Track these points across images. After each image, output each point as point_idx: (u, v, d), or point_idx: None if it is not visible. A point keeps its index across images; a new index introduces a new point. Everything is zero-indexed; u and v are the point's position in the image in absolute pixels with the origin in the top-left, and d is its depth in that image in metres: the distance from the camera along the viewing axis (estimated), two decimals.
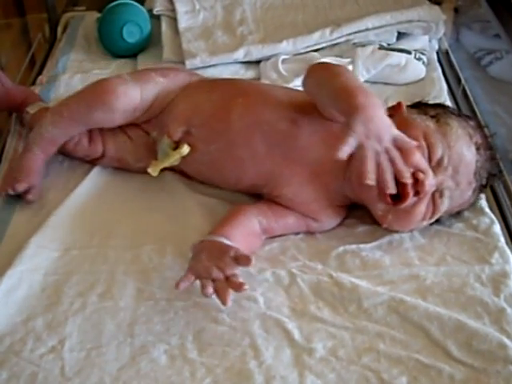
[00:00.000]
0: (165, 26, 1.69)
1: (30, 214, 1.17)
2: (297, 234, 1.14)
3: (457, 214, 1.14)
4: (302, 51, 1.58)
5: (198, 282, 0.96)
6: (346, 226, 1.15)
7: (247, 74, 1.55)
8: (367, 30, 1.59)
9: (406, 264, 1.06)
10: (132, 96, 1.18)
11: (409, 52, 1.57)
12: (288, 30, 1.64)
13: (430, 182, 1.04)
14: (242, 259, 0.96)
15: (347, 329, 0.95)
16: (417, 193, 1.04)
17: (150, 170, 1.17)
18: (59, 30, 1.85)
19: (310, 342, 0.93)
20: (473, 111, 1.51)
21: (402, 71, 1.55)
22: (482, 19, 1.81)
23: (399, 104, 1.15)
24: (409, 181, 0.99)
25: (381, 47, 1.57)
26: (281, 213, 1.12)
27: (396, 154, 0.96)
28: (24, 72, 1.73)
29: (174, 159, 1.17)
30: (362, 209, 1.16)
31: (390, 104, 1.18)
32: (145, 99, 1.19)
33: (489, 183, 1.14)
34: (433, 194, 1.06)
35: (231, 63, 1.57)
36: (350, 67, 1.51)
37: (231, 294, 0.94)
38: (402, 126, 1.08)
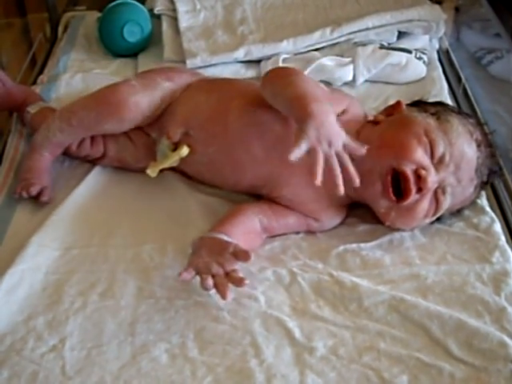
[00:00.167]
0: (165, 25, 1.69)
1: (31, 213, 1.17)
2: (297, 233, 1.14)
3: (457, 213, 1.14)
4: (303, 50, 1.58)
5: (197, 280, 0.96)
6: (346, 225, 1.16)
7: (248, 73, 1.55)
8: (368, 29, 1.59)
9: (406, 263, 1.06)
10: (142, 106, 1.18)
11: (409, 51, 1.57)
12: (288, 29, 1.64)
13: (432, 178, 1.04)
14: (240, 254, 0.96)
15: (348, 328, 0.95)
16: (419, 189, 1.04)
17: (148, 171, 1.16)
18: (60, 29, 1.85)
19: (310, 340, 0.93)
20: (473, 110, 1.51)
21: (403, 70, 1.55)
22: (483, 18, 1.81)
23: (398, 102, 1.16)
24: (357, 183, 0.98)
25: (381, 46, 1.57)
26: (282, 212, 1.12)
27: (346, 158, 0.97)
28: (25, 71, 1.74)
29: (172, 160, 1.17)
30: (363, 208, 1.16)
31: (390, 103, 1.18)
32: (153, 107, 1.20)
33: (490, 180, 1.14)
34: (435, 191, 1.06)
35: (232, 63, 1.57)
36: (351, 66, 1.51)
37: (232, 293, 0.94)
38: (403, 123, 1.09)
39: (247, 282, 0.94)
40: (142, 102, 1.18)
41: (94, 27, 1.76)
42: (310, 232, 1.14)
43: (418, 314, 0.96)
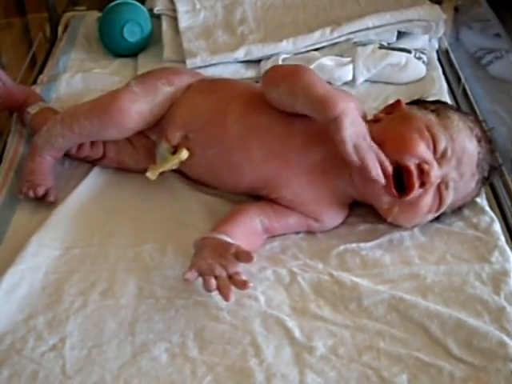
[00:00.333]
0: (165, 25, 1.69)
1: (31, 213, 1.17)
2: (297, 233, 1.14)
3: (458, 210, 1.14)
4: (303, 50, 1.58)
5: (198, 279, 0.96)
6: (346, 225, 1.15)
7: (247, 73, 1.55)
8: (367, 29, 1.59)
9: (406, 263, 1.06)
10: (145, 114, 1.18)
11: (409, 51, 1.57)
12: (288, 29, 1.64)
13: (435, 172, 1.04)
14: (242, 255, 0.96)
15: (347, 327, 0.95)
16: (422, 184, 1.04)
17: (148, 174, 1.16)
18: (60, 29, 1.85)
19: (310, 340, 0.93)
20: (473, 110, 1.51)
21: (403, 70, 1.55)
22: (482, 18, 1.81)
23: (398, 101, 1.16)
24: (390, 168, 1.02)
25: (381, 46, 1.57)
26: (282, 212, 1.12)
27: (376, 148, 1.02)
28: (25, 71, 1.74)
29: (172, 164, 1.16)
30: (363, 208, 1.16)
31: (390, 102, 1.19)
32: (155, 113, 1.20)
33: (490, 176, 1.14)
34: (438, 186, 1.07)
35: (232, 62, 1.57)
36: (351, 66, 1.52)
37: (233, 294, 0.94)
38: (404, 119, 1.09)
39: (251, 284, 0.94)
40: (143, 109, 1.18)
41: (94, 27, 1.77)
42: (309, 232, 1.14)
43: (417, 314, 0.96)
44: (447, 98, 1.46)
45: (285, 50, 1.56)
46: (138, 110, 1.18)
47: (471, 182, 1.10)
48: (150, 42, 1.70)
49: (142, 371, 0.89)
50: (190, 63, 1.54)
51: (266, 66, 1.53)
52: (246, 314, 0.97)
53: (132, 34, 1.64)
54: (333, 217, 1.14)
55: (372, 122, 1.14)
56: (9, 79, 1.42)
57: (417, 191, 1.05)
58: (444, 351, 0.91)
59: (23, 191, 1.18)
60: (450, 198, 1.08)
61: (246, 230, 1.07)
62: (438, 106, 1.14)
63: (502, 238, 1.10)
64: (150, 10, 1.72)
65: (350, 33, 1.59)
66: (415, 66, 1.56)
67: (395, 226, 1.12)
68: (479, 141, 1.10)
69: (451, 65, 1.72)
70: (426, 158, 1.05)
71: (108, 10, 1.67)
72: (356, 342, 0.93)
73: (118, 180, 1.26)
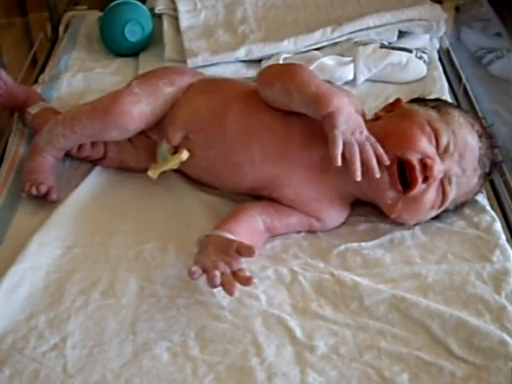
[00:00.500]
0: (166, 24, 1.70)
1: (32, 213, 1.17)
2: (298, 232, 1.14)
3: (460, 207, 1.14)
4: (304, 50, 1.58)
5: (200, 279, 0.96)
6: (347, 225, 1.16)
7: (248, 72, 1.55)
8: (368, 28, 1.59)
9: (407, 262, 1.06)
10: (146, 116, 1.18)
11: (410, 51, 1.57)
12: (289, 28, 1.64)
13: (437, 167, 1.04)
14: (244, 250, 0.96)
15: (349, 326, 0.95)
16: (425, 179, 1.04)
17: (149, 173, 1.17)
18: (61, 28, 1.85)
19: (311, 339, 0.93)
20: (474, 110, 1.51)
21: (403, 70, 1.55)
22: (483, 18, 1.81)
23: (398, 99, 1.16)
24: (387, 162, 1.03)
25: (382, 46, 1.57)
26: (284, 212, 1.12)
27: (374, 140, 1.04)
28: (26, 71, 1.74)
29: (172, 164, 1.17)
30: (364, 207, 1.16)
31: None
32: (156, 114, 1.20)
33: (492, 172, 1.14)
34: (441, 181, 1.07)
35: (233, 62, 1.57)
36: (352, 66, 1.52)
37: (236, 291, 0.93)
38: (405, 116, 1.10)
39: (255, 280, 0.95)
40: (145, 110, 1.18)
41: (95, 26, 1.77)
42: (311, 231, 1.14)
43: (418, 313, 0.96)
44: (448, 98, 1.45)
45: (286, 49, 1.57)
46: (139, 111, 1.18)
47: (473, 177, 1.10)
48: (151, 41, 1.70)
49: (144, 370, 0.89)
50: (191, 63, 1.54)
51: (266, 65, 1.53)
52: (247, 313, 0.97)
53: (133, 33, 1.64)
54: (334, 216, 1.14)
55: (372, 121, 1.14)
56: (10, 79, 1.42)
57: (420, 186, 1.05)
58: (445, 350, 0.91)
59: (25, 189, 1.18)
60: (453, 194, 1.08)
61: (249, 228, 1.07)
62: (438, 103, 1.15)
63: (503, 237, 1.10)
64: (151, 10, 1.72)
65: (351, 32, 1.59)
66: (416, 66, 1.56)
67: (396, 226, 1.13)
68: (480, 136, 1.10)
69: (452, 64, 1.72)
70: (429, 153, 1.05)
71: (109, 9, 1.67)
72: (357, 342, 0.93)
73: (120, 179, 1.26)
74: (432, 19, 1.62)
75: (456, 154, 1.07)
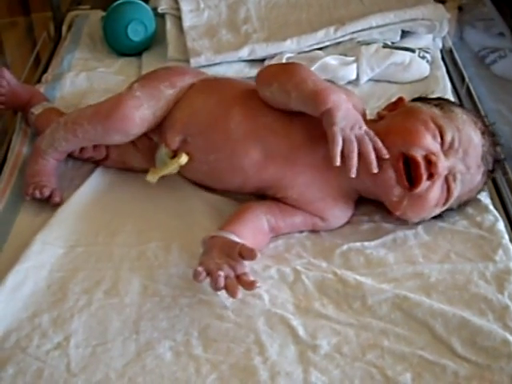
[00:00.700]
0: (169, 24, 1.70)
1: (35, 212, 1.17)
2: (301, 231, 1.14)
3: (464, 205, 1.14)
4: (307, 49, 1.58)
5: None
6: (350, 224, 1.16)
7: (251, 72, 1.55)
8: (371, 28, 1.59)
9: (410, 261, 1.06)
10: (148, 119, 1.18)
11: (413, 50, 1.57)
12: (292, 28, 1.64)
13: (442, 163, 1.04)
14: (246, 253, 0.96)
15: (351, 325, 0.95)
16: (430, 176, 1.04)
17: (148, 178, 1.16)
18: (64, 28, 1.85)
19: (314, 338, 0.93)
20: (476, 109, 1.51)
21: (406, 69, 1.55)
22: (486, 17, 1.81)
23: (400, 98, 1.17)
24: (386, 156, 1.04)
25: (385, 45, 1.57)
26: (288, 212, 1.12)
27: (373, 135, 1.05)
28: (29, 70, 1.74)
29: (171, 168, 1.16)
30: (367, 207, 1.17)
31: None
32: (158, 117, 1.19)
33: (495, 169, 1.14)
34: (446, 178, 1.07)
35: (236, 61, 1.57)
36: (355, 65, 1.52)
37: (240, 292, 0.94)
38: (409, 114, 1.10)
39: (259, 285, 0.94)
40: (146, 114, 1.18)
41: (98, 26, 1.77)
42: (314, 231, 1.14)
43: (421, 312, 0.96)
44: (451, 97, 1.45)
45: (289, 49, 1.57)
46: (141, 115, 1.17)
47: (477, 174, 1.10)
48: (154, 41, 1.70)
49: (147, 369, 0.89)
50: (194, 62, 1.54)
51: None
52: (250, 312, 0.97)
53: (136, 33, 1.64)
54: (338, 215, 1.14)
55: (375, 120, 1.14)
56: (13, 78, 1.42)
57: (425, 183, 1.05)
58: (448, 350, 0.92)
59: (29, 192, 1.18)
60: (457, 191, 1.08)
61: (254, 228, 1.07)
62: (440, 102, 1.15)
63: (506, 237, 1.10)
64: (154, 9, 1.72)
65: (354, 32, 1.59)
66: (419, 65, 1.56)
67: (399, 225, 1.13)
68: (483, 133, 1.10)
69: (455, 64, 1.72)
70: (433, 150, 1.05)
71: (112, 9, 1.67)
72: (360, 341, 0.93)
73: (122, 179, 1.26)
74: (435, 19, 1.62)
75: (461, 150, 1.07)
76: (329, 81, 1.45)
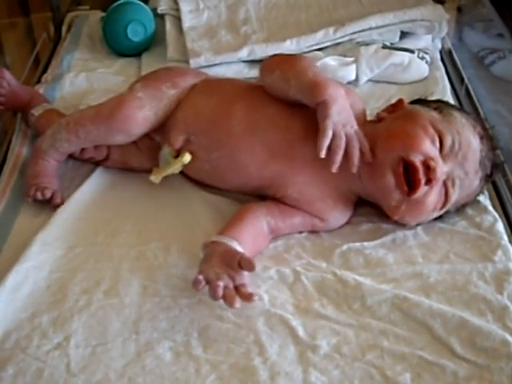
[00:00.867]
0: (169, 25, 1.70)
1: (35, 212, 1.17)
2: (301, 232, 1.14)
3: (462, 208, 1.15)
4: (306, 50, 1.58)
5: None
6: (350, 225, 1.16)
7: (251, 72, 1.55)
8: (370, 29, 1.59)
9: (409, 262, 1.07)
10: (151, 119, 1.18)
11: (412, 51, 1.57)
12: (292, 29, 1.64)
13: (440, 168, 1.05)
14: (245, 264, 0.95)
15: (351, 326, 0.95)
16: (428, 181, 1.04)
17: (152, 178, 1.17)
18: (64, 29, 1.85)
19: (314, 338, 0.93)
20: (476, 110, 1.51)
21: (406, 70, 1.56)
22: (485, 18, 1.81)
23: (400, 100, 1.17)
24: (370, 160, 1.05)
25: (384, 46, 1.57)
26: (288, 212, 1.12)
27: (362, 136, 1.06)
28: (29, 71, 1.74)
29: (175, 168, 1.16)
30: (367, 207, 1.17)
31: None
32: (160, 118, 1.19)
33: (493, 174, 1.14)
34: (444, 183, 1.07)
35: (235, 62, 1.57)
36: (354, 66, 1.52)
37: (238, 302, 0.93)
38: (408, 117, 1.10)
39: (256, 298, 0.94)
40: (149, 115, 1.18)
41: (97, 27, 1.77)
42: (313, 231, 1.14)
43: (420, 313, 0.96)
44: (450, 98, 1.46)
45: (288, 49, 1.56)
46: (144, 116, 1.17)
47: (475, 179, 1.10)
48: (154, 41, 1.71)
49: (147, 369, 0.89)
50: (193, 63, 1.54)
51: None
52: (249, 312, 0.97)
53: (136, 33, 1.65)
54: (337, 216, 1.14)
55: (375, 122, 1.15)
56: (13, 79, 1.42)
57: (423, 189, 1.05)
58: (447, 350, 0.92)
59: (31, 194, 1.17)
60: (455, 196, 1.09)
61: (254, 232, 1.07)
62: (439, 105, 1.15)
63: (505, 238, 1.10)
64: (154, 10, 1.72)
65: (353, 33, 1.59)
66: (418, 66, 1.56)
67: (398, 226, 1.13)
68: (482, 138, 1.10)
69: (454, 65, 1.72)
70: (432, 155, 1.05)
71: (112, 9, 1.68)
72: (359, 341, 0.93)
73: (122, 179, 1.26)
74: (434, 20, 1.62)
75: (460, 154, 1.07)
76: None
